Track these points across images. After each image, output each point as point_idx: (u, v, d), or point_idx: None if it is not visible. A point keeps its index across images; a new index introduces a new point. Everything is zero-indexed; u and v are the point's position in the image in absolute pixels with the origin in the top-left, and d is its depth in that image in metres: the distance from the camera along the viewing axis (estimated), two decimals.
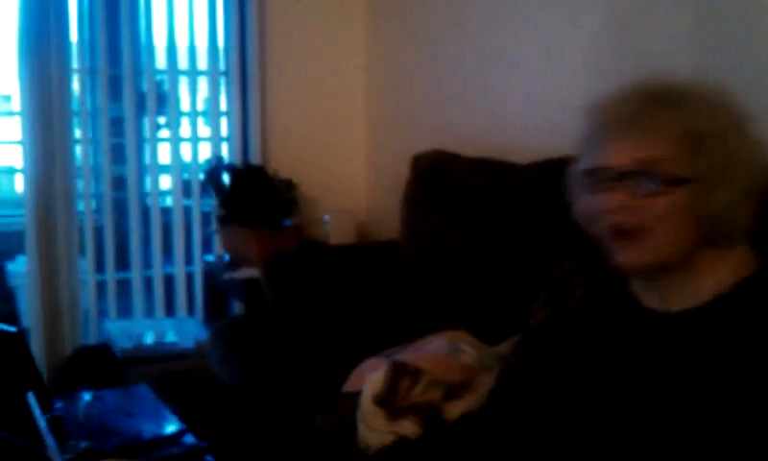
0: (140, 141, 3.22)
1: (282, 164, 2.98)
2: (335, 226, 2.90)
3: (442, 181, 2.39)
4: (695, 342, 1.17)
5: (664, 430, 1.14)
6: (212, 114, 3.18)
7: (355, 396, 1.67)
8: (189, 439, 1.56)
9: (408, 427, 1.55)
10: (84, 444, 1.50)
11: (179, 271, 3.17)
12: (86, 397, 1.77)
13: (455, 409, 1.55)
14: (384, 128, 3.11)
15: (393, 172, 2.74)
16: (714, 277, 1.21)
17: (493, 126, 2.50)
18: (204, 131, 3.26)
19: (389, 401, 1.60)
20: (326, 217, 2.92)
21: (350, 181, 3.19)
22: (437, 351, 1.74)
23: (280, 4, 3.05)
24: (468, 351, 1.70)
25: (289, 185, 2.91)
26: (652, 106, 1.19)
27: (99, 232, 3.08)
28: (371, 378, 1.65)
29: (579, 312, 1.33)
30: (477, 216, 2.21)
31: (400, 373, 1.63)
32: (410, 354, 1.75)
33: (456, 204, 2.31)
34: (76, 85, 2.98)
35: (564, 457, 1.22)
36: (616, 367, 1.23)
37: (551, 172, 2.02)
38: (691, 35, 1.86)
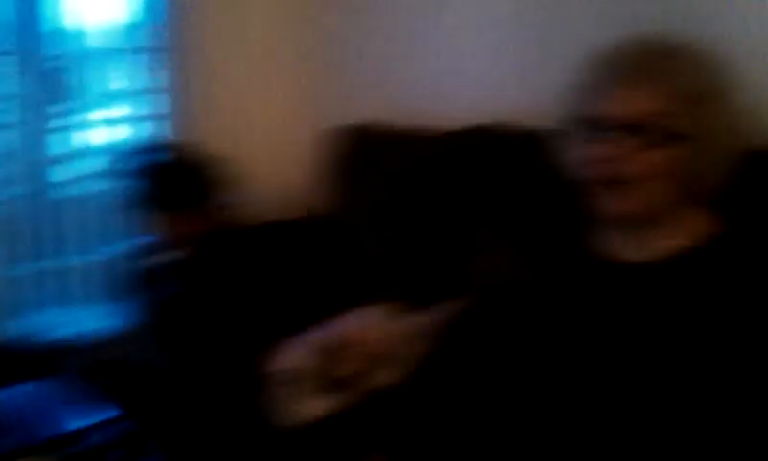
0: (51, 127, 3.04)
1: (210, 141, 2.84)
2: (268, 203, 2.80)
3: (377, 153, 2.36)
4: (663, 291, 1.21)
5: (639, 378, 1.16)
6: (133, 93, 3.02)
7: (278, 374, 1.60)
8: (124, 425, 1.49)
9: (337, 400, 1.49)
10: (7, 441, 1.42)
11: (98, 258, 3.00)
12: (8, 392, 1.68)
13: (384, 380, 1.48)
14: (318, 101, 3.00)
15: (328, 145, 2.66)
16: (688, 231, 1.26)
17: (415, 95, 2.45)
18: (123, 112, 3.09)
19: (317, 376, 1.53)
20: (258, 194, 2.82)
21: (284, 156, 3.07)
22: (366, 323, 1.67)
23: None
24: (398, 319, 1.63)
25: (218, 163, 2.79)
26: (657, 62, 1.24)
27: (12, 223, 2.89)
28: (296, 354, 1.58)
29: (546, 259, 1.36)
30: (413, 186, 2.18)
31: (328, 346, 1.57)
32: (339, 327, 1.68)
33: (392, 175, 2.27)
34: None
35: (528, 412, 1.23)
36: (579, 317, 1.25)
37: (471, 140, 2.00)
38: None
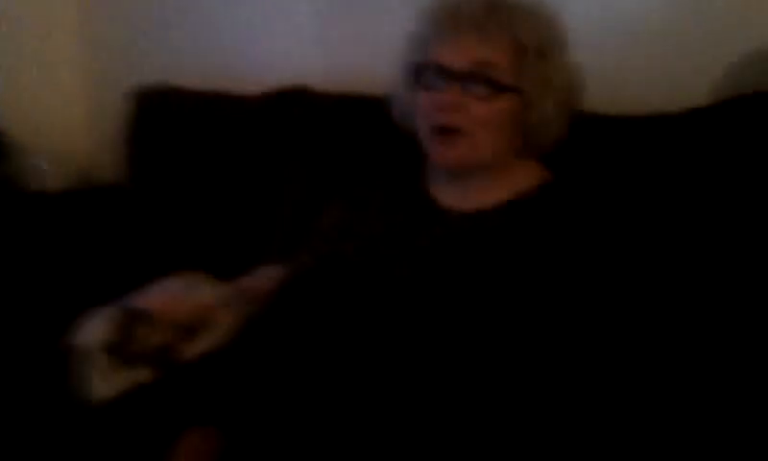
0: None
1: None
2: (52, 172, 2.64)
3: (169, 118, 2.27)
4: (485, 240, 1.23)
5: (452, 326, 1.17)
6: None
7: (82, 347, 1.52)
8: None
9: (145, 373, 1.44)
10: None
11: None
12: None
13: (194, 349, 1.46)
14: (102, 61, 2.84)
15: (117, 109, 2.54)
16: (518, 181, 1.29)
17: (219, 56, 2.39)
18: None
19: (121, 349, 1.48)
20: (40, 163, 2.65)
21: (66, 121, 2.90)
22: (172, 292, 1.63)
23: None
24: (205, 288, 1.61)
25: None
26: (487, 13, 1.24)
27: None
28: (97, 326, 1.51)
29: (373, 207, 1.37)
30: (208, 153, 2.12)
31: (131, 317, 1.51)
32: (141, 299, 1.63)
33: (186, 140, 2.20)
34: None
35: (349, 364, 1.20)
36: (413, 258, 1.26)
37: (283, 103, 1.99)
38: None
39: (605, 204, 1.26)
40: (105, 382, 1.47)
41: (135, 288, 1.82)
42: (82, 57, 2.90)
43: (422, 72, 1.26)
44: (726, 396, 1.20)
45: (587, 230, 1.20)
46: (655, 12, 1.61)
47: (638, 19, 1.62)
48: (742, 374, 1.22)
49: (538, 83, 1.24)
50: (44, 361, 1.68)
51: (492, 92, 1.22)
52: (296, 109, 1.93)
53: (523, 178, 1.30)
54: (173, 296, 1.62)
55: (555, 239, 1.20)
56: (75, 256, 2.19)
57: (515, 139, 1.26)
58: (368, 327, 1.19)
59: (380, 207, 1.36)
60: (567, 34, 1.30)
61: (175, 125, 2.23)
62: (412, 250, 1.26)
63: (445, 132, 1.24)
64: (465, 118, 1.22)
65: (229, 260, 1.79)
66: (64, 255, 2.19)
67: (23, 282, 2.12)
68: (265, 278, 1.45)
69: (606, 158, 1.45)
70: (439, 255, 1.24)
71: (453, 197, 1.31)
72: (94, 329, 1.52)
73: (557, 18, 1.29)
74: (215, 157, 2.10)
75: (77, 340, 1.64)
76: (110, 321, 1.50)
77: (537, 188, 1.29)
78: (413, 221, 1.31)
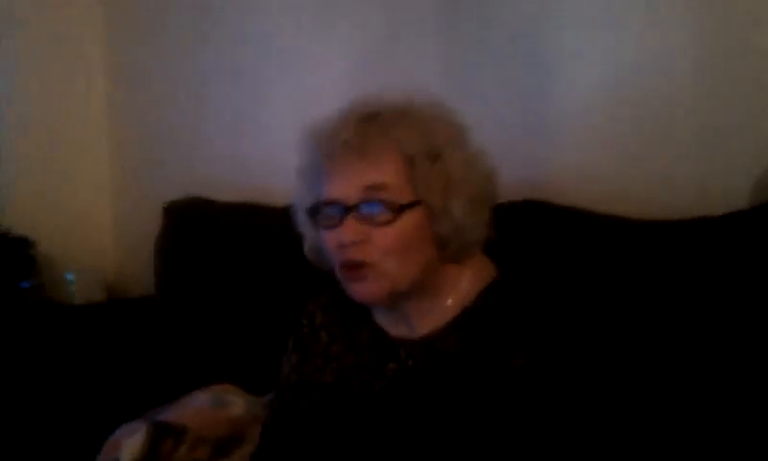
0: None
1: (15, 220, 2.69)
2: (81, 285, 2.67)
3: (198, 230, 2.29)
4: (442, 363, 1.17)
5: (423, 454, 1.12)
6: None
7: None
8: None
9: None
10: None
11: None
12: None
13: None
14: (131, 175, 2.91)
15: (144, 222, 2.58)
16: (457, 292, 1.21)
17: (249, 170, 2.43)
18: None
19: None
20: (70, 276, 2.69)
21: (96, 234, 2.95)
22: (201, 407, 1.63)
23: (6, 40, 2.75)
24: (236, 402, 1.60)
25: (24, 243, 2.65)
26: (365, 132, 1.16)
27: None
28: (128, 443, 1.51)
29: (327, 354, 1.30)
30: (238, 263, 2.14)
31: (162, 433, 1.51)
32: (172, 413, 1.62)
33: (215, 252, 2.21)
34: None
35: None
36: (370, 402, 1.20)
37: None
38: (435, 71, 1.91)
39: (550, 303, 1.19)
40: None
41: (165, 402, 1.83)
42: (110, 173, 2.99)
43: (318, 212, 1.20)
44: None
45: (531, 336, 1.13)
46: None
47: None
48: None
49: (437, 188, 1.15)
50: None
51: (392, 216, 1.13)
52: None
53: (464, 284, 1.21)
54: (204, 410, 1.62)
55: (501, 356, 1.13)
56: (104, 370, 2.19)
57: (432, 252, 1.17)
58: None
59: (332, 350, 1.29)
60: (461, 126, 1.22)
61: (203, 237, 2.26)
62: (364, 397, 1.21)
63: (356, 267, 1.16)
64: (369, 250, 1.14)
65: (258, 372, 1.79)
66: (94, 369, 2.19)
67: (52, 397, 2.12)
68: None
69: (567, 254, 1.44)
70: (391, 402, 1.18)
71: (398, 327, 1.23)
72: (124, 446, 1.51)
73: (443, 113, 1.22)
74: (243, 269, 2.11)
75: (107, 457, 1.64)
76: (140, 437, 1.50)
77: (481, 293, 1.20)
78: (365, 361, 1.24)
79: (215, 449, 1.48)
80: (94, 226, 2.96)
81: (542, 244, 1.49)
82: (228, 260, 2.16)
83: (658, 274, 1.35)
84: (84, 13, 2.91)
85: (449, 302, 1.21)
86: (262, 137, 2.39)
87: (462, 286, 1.22)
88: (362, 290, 1.18)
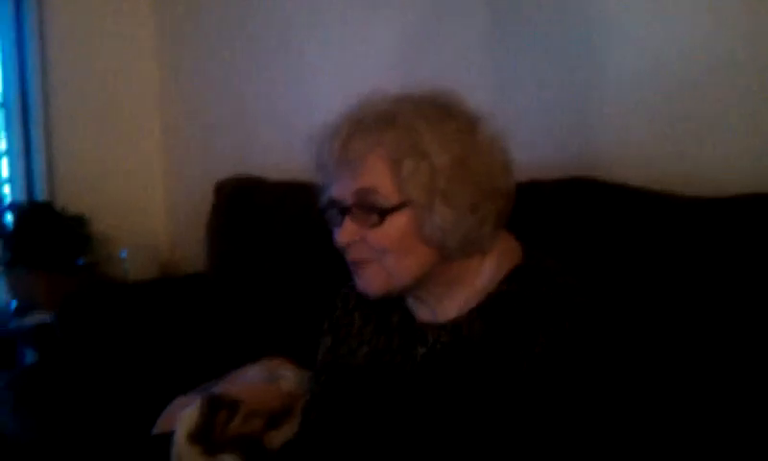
0: None
1: (72, 200, 2.77)
2: (134, 262, 2.74)
3: (248, 207, 2.32)
4: (467, 348, 1.18)
5: (449, 443, 1.14)
6: None
7: (168, 436, 1.56)
8: None
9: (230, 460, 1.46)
10: None
11: None
12: None
13: (278, 438, 1.48)
14: (182, 155, 2.97)
15: (195, 201, 2.64)
16: (480, 279, 1.22)
17: (297, 148, 2.45)
18: None
19: (206, 437, 1.50)
20: (124, 253, 2.75)
21: (149, 213, 3.03)
22: (254, 380, 1.67)
23: (63, 30, 2.86)
24: (288, 376, 1.64)
25: (80, 222, 2.72)
26: (355, 137, 1.18)
27: None
28: (183, 415, 1.55)
29: (361, 336, 1.32)
30: (287, 240, 2.17)
31: (216, 406, 1.54)
32: (225, 386, 1.66)
33: (265, 229, 2.24)
34: None
35: None
36: (401, 384, 1.23)
37: None
38: (482, 50, 1.91)
39: (574, 288, 1.19)
40: None
41: (218, 376, 1.87)
42: (163, 153, 3.06)
43: (326, 212, 1.24)
44: None
45: (552, 322, 1.14)
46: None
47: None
48: None
49: (424, 189, 1.16)
50: (132, 450, 1.70)
51: (379, 219, 1.16)
52: None
53: (487, 270, 1.23)
54: (257, 384, 1.66)
55: (521, 341, 1.14)
56: (158, 345, 2.24)
57: (430, 250, 1.19)
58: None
59: (365, 332, 1.32)
60: (461, 122, 1.20)
61: (252, 215, 2.30)
62: (395, 379, 1.24)
63: (357, 264, 1.21)
64: (365, 249, 1.18)
65: (308, 346, 1.82)
66: (148, 344, 2.25)
67: (109, 370, 2.18)
68: None
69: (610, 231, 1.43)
70: (420, 385, 1.21)
71: (425, 312, 1.26)
72: (179, 418, 1.56)
73: (446, 108, 1.21)
74: (291, 246, 2.14)
75: (163, 429, 1.68)
76: (195, 409, 1.54)
77: (506, 278, 1.21)
78: (396, 344, 1.27)
79: (267, 422, 1.52)
80: (147, 204, 3.03)
81: (589, 221, 1.48)
82: (277, 237, 2.19)
83: (708, 252, 1.34)
84: (136, 1, 2.98)
85: (473, 288, 1.23)
86: (309, 115, 2.41)
87: (485, 272, 1.23)
88: (365, 287, 1.22)
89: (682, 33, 1.57)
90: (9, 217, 2.70)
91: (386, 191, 1.16)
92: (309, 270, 2.05)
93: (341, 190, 1.19)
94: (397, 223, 1.17)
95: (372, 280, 1.20)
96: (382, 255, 1.18)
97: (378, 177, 1.16)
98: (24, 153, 2.89)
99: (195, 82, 2.87)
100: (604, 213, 1.49)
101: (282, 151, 2.50)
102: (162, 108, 3.04)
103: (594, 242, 1.45)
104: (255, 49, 2.56)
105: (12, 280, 2.74)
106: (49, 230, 2.65)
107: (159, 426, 1.71)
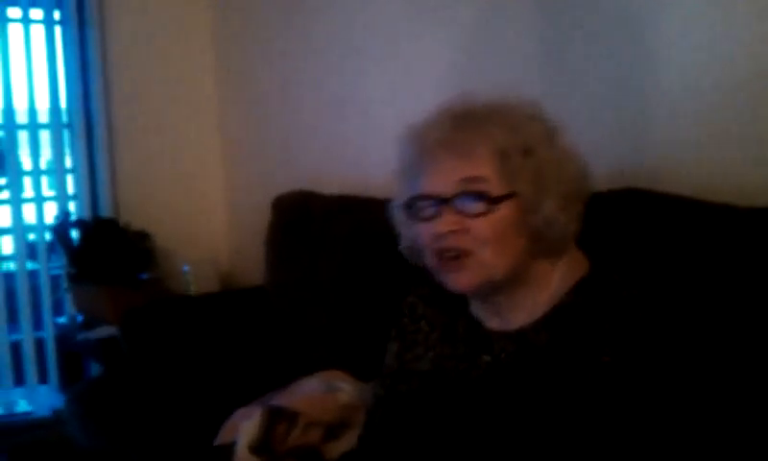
0: None
1: (135, 216, 2.85)
2: (196, 276, 2.80)
3: (304, 222, 2.35)
4: (533, 357, 1.19)
5: (514, 451, 1.14)
6: (57, 170, 3.02)
7: (229, 447, 1.59)
8: None
9: None
10: None
11: (27, 337, 2.96)
12: None
13: (336, 449, 1.50)
14: (242, 171, 3.04)
15: (254, 216, 2.68)
16: (549, 287, 1.23)
17: (352, 163, 2.49)
18: (49, 191, 3.09)
19: (266, 448, 1.53)
20: (186, 268, 2.82)
21: (209, 228, 3.09)
22: (313, 392, 1.69)
23: (124, 51, 2.95)
24: (345, 388, 1.66)
25: (143, 237, 2.80)
26: (461, 128, 1.20)
27: None
28: (244, 426, 1.58)
29: (427, 343, 1.33)
30: (343, 254, 2.19)
31: (276, 417, 1.57)
32: (285, 398, 1.69)
33: (322, 243, 2.27)
34: None
35: None
36: (465, 391, 1.24)
37: None
38: (534, 59, 1.91)
39: (641, 300, 1.19)
40: None
41: (278, 387, 1.90)
42: (223, 170, 3.13)
43: (414, 205, 1.23)
44: None
45: (619, 334, 1.14)
46: None
47: None
48: None
49: (531, 182, 1.18)
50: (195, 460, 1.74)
51: (487, 206, 1.17)
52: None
53: (556, 279, 1.24)
54: (315, 395, 1.69)
55: (591, 352, 1.14)
56: (220, 357, 2.29)
57: (526, 245, 1.20)
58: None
59: (431, 339, 1.33)
60: (553, 126, 1.24)
61: (307, 229, 2.33)
62: (459, 385, 1.24)
63: (451, 257, 1.20)
64: (466, 239, 1.18)
65: (364, 358, 1.84)
66: (210, 356, 2.29)
67: (172, 384, 2.23)
68: None
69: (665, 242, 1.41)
70: (485, 392, 1.21)
71: (493, 319, 1.26)
72: (241, 430, 1.59)
73: (536, 112, 1.24)
74: (347, 258, 2.16)
75: (225, 439, 1.72)
76: (256, 421, 1.57)
77: (573, 288, 1.22)
78: (461, 351, 1.28)
79: (326, 433, 1.54)
80: (208, 219, 3.10)
81: (644, 233, 1.47)
82: (333, 250, 2.21)
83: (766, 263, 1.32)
84: (194, 21, 3.06)
85: (542, 297, 1.23)
86: (364, 132, 2.45)
87: (554, 281, 1.24)
88: (457, 280, 1.21)
89: (744, 38, 1.55)
90: (74, 233, 2.79)
91: (493, 181, 1.18)
92: (365, 282, 2.07)
93: (440, 180, 1.19)
94: (504, 213, 1.18)
95: (466, 274, 1.20)
96: (482, 247, 1.18)
97: (486, 167, 1.18)
98: (89, 171, 2.99)
99: (253, 100, 2.93)
100: (658, 224, 1.48)
101: (337, 166, 2.54)
102: (222, 125, 3.11)
103: (648, 253, 1.44)
104: (312, 68, 2.60)
105: (78, 295, 2.83)
106: (113, 246, 2.72)
107: (222, 437, 1.74)
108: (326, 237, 2.25)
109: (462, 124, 1.21)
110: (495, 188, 1.17)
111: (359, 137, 2.45)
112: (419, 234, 1.23)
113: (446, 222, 1.18)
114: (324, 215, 2.30)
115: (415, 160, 1.24)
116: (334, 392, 1.67)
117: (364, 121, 2.42)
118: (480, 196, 1.17)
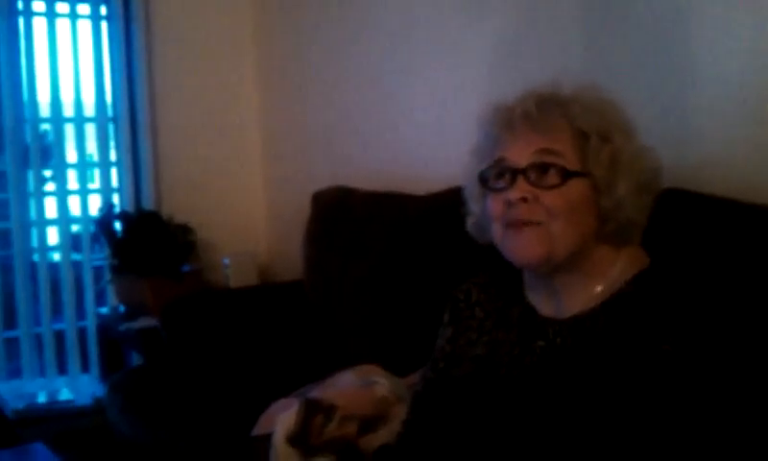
0: (25, 195, 3.05)
1: (177, 209, 2.89)
2: (236, 269, 2.83)
3: (343, 218, 2.37)
4: (589, 344, 1.19)
5: (571, 436, 1.14)
6: (102, 163, 3.07)
7: (267, 438, 1.61)
8: None
9: None
10: None
11: (70, 326, 3.02)
12: None
13: (372, 442, 1.50)
14: (282, 166, 3.06)
15: (293, 210, 2.70)
16: (607, 276, 1.24)
17: (391, 159, 2.50)
18: (93, 183, 3.14)
19: (303, 440, 1.54)
20: (226, 260, 2.85)
21: (249, 222, 3.13)
22: (349, 386, 1.71)
23: (168, 47, 2.99)
24: (382, 382, 1.66)
25: (185, 230, 2.83)
26: (544, 107, 1.23)
27: None
28: (282, 418, 1.59)
29: (481, 329, 1.34)
30: (381, 250, 2.20)
31: (313, 410, 1.58)
32: (321, 391, 1.71)
33: (359, 239, 2.28)
34: None
35: None
36: (520, 378, 1.24)
37: (451, 201, 2.03)
38: (575, 57, 1.91)
39: (701, 295, 1.19)
40: None
41: (315, 380, 1.92)
42: (263, 164, 3.17)
43: (488, 177, 1.25)
44: None
45: (680, 325, 1.14)
46: None
47: None
48: None
49: (606, 165, 1.20)
50: (234, 450, 1.76)
51: (561, 179, 1.19)
52: (461, 209, 1.97)
53: (617, 268, 1.24)
54: (352, 389, 1.70)
55: (651, 340, 1.14)
56: (258, 349, 2.32)
57: (592, 225, 1.21)
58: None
59: (485, 325, 1.34)
60: (629, 120, 1.27)
61: (346, 224, 2.34)
62: (513, 370, 1.25)
63: (520, 226, 1.21)
64: (537, 210, 1.19)
65: (400, 354, 1.85)
66: (248, 348, 2.32)
67: (211, 374, 2.26)
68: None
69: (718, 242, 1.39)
70: (539, 377, 1.21)
71: (549, 305, 1.27)
72: (278, 421, 1.60)
73: (614, 104, 1.27)
74: (385, 253, 2.17)
75: (262, 430, 1.74)
76: (293, 413, 1.58)
77: (632, 280, 1.22)
78: (515, 337, 1.28)
79: (362, 426, 1.55)
80: (249, 214, 3.14)
81: (685, 234, 1.47)
82: (371, 246, 2.22)
83: None
84: (236, 17, 3.10)
85: (600, 285, 1.24)
86: (405, 129, 2.45)
87: (614, 270, 1.24)
88: (523, 251, 1.22)
89: None
90: (118, 226, 2.83)
91: (569, 157, 1.20)
92: (402, 279, 2.08)
93: (518, 150, 1.22)
94: (577, 189, 1.20)
95: (532, 244, 1.21)
96: (551, 219, 1.19)
97: (564, 143, 1.21)
98: (132, 164, 3.04)
99: (294, 97, 2.95)
100: (699, 225, 1.47)
101: (378, 162, 2.55)
102: (263, 122, 3.14)
103: (689, 254, 1.43)
104: (354, 63, 2.62)
105: (120, 286, 2.88)
106: (156, 239, 2.77)
107: (259, 428, 1.77)
108: (365, 234, 2.26)
109: (546, 102, 1.24)
110: (571, 164, 1.20)
111: (400, 134, 2.46)
112: (489, 206, 1.25)
113: (519, 189, 1.20)
114: (363, 212, 2.31)
115: (495, 134, 1.27)
116: (370, 386, 1.67)
117: (405, 117, 2.43)
118: (554, 168, 1.19)
